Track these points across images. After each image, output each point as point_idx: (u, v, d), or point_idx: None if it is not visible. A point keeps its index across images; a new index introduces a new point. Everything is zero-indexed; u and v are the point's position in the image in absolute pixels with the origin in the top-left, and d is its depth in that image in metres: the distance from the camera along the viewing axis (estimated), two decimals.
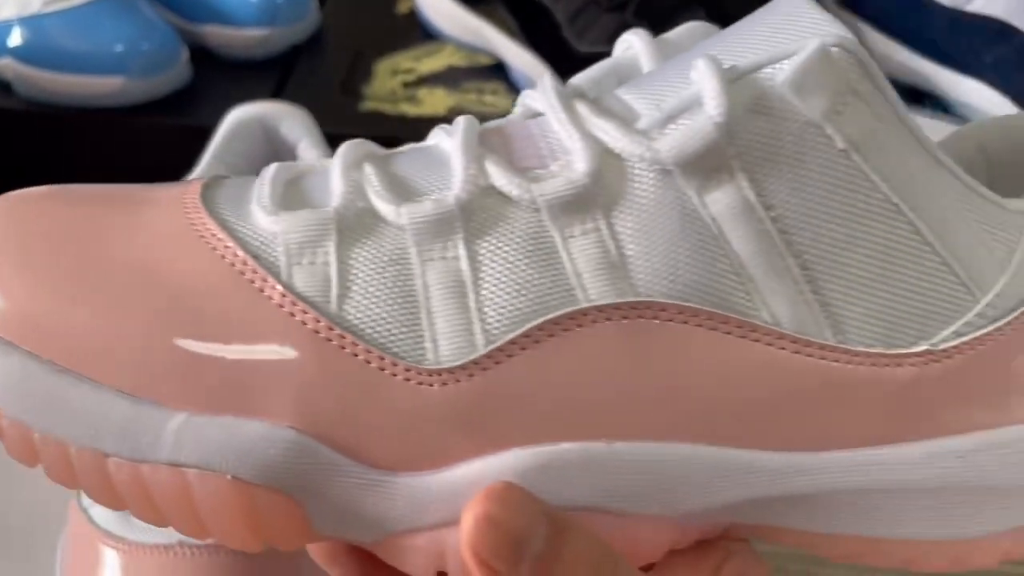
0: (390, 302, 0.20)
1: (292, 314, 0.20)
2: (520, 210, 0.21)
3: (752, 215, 0.20)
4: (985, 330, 0.21)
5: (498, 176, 0.21)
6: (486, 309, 0.20)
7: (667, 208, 0.20)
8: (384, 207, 0.21)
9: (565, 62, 0.58)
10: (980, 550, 0.22)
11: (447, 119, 0.57)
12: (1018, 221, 0.22)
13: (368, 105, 0.58)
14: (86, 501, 0.31)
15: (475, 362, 0.20)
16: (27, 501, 0.37)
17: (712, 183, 0.20)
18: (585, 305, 0.20)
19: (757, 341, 0.20)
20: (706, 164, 0.20)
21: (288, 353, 0.20)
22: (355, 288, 0.20)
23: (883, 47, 0.57)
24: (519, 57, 0.59)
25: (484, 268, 0.20)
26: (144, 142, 0.56)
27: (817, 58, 0.20)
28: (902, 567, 0.23)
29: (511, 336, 0.20)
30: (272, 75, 0.60)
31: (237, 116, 0.41)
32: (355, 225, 0.21)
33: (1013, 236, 0.22)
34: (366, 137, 0.59)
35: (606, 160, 0.20)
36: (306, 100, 0.46)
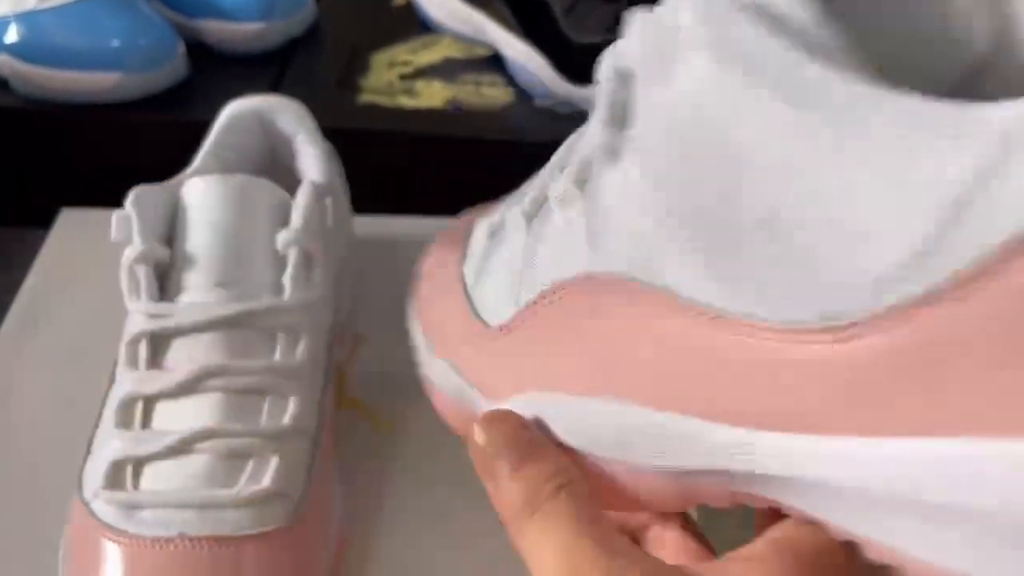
0: (493, 286, 0.28)
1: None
2: (551, 207, 0.25)
3: (645, 194, 0.21)
4: (909, 297, 0.16)
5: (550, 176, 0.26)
6: (520, 289, 0.26)
7: (604, 194, 0.22)
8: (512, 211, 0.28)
9: (562, 53, 0.58)
10: None
11: (444, 111, 0.58)
12: (987, 136, 0.15)
13: (365, 98, 0.58)
14: (88, 495, 0.32)
15: (499, 328, 0.27)
16: (30, 496, 0.37)
17: (610, 168, 0.22)
18: (548, 285, 0.24)
19: (680, 317, 0.20)
20: (606, 152, 0.22)
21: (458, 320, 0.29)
22: (485, 277, 0.28)
23: None
24: (516, 49, 0.59)
25: (528, 260, 0.26)
26: (142, 138, 0.55)
27: (640, 22, 0.20)
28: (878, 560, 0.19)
29: (512, 314, 0.26)
30: (269, 69, 0.60)
31: (233, 110, 0.41)
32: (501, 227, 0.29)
33: (975, 157, 0.15)
34: (363, 130, 0.59)
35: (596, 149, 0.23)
36: (303, 94, 0.46)
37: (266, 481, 0.31)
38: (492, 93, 0.58)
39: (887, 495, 0.18)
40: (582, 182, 0.23)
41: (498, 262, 0.28)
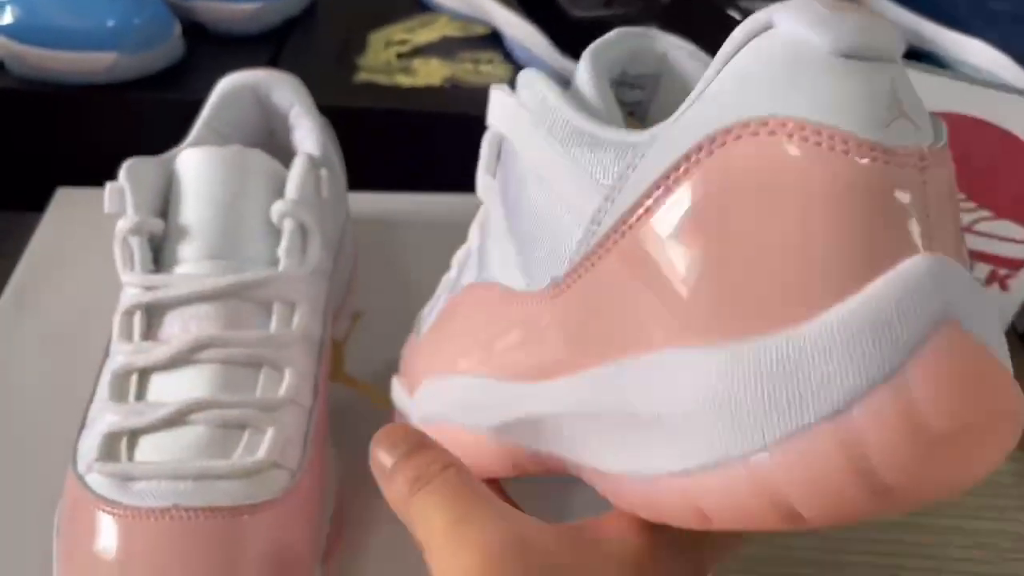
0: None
1: None
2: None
3: (498, 222, 0.28)
4: (584, 254, 0.23)
5: None
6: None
7: (489, 226, 0.30)
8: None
9: (561, 29, 0.58)
10: (660, 491, 0.21)
11: (442, 89, 0.57)
12: (616, 147, 0.23)
13: (363, 77, 0.57)
14: (82, 468, 0.31)
15: (425, 331, 0.35)
16: (24, 469, 0.37)
17: (488, 206, 0.30)
18: (458, 293, 0.32)
19: (498, 300, 0.28)
20: (484, 193, 0.30)
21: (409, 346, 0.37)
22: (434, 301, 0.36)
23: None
24: (514, 25, 0.58)
25: (455, 282, 0.33)
26: (138, 118, 0.55)
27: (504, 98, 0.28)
28: (613, 501, 0.23)
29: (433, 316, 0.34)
30: (266, 49, 0.59)
31: (228, 84, 0.41)
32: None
33: (609, 161, 0.23)
34: (361, 108, 0.59)
35: None
36: (300, 73, 0.46)
37: (262, 452, 0.31)
38: (490, 71, 0.58)
39: (579, 417, 0.24)
40: (481, 222, 0.30)
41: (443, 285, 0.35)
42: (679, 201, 0.20)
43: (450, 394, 0.30)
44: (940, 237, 0.18)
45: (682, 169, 0.20)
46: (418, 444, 0.26)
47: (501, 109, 0.28)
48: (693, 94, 0.21)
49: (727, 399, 0.18)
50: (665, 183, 0.20)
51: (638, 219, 0.21)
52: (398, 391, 0.36)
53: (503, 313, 0.27)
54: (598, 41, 0.28)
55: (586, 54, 0.27)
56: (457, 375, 0.30)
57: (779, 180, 0.18)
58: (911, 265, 0.17)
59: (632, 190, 0.22)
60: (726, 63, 0.20)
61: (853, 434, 0.17)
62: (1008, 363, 0.18)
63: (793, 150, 0.18)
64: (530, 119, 0.26)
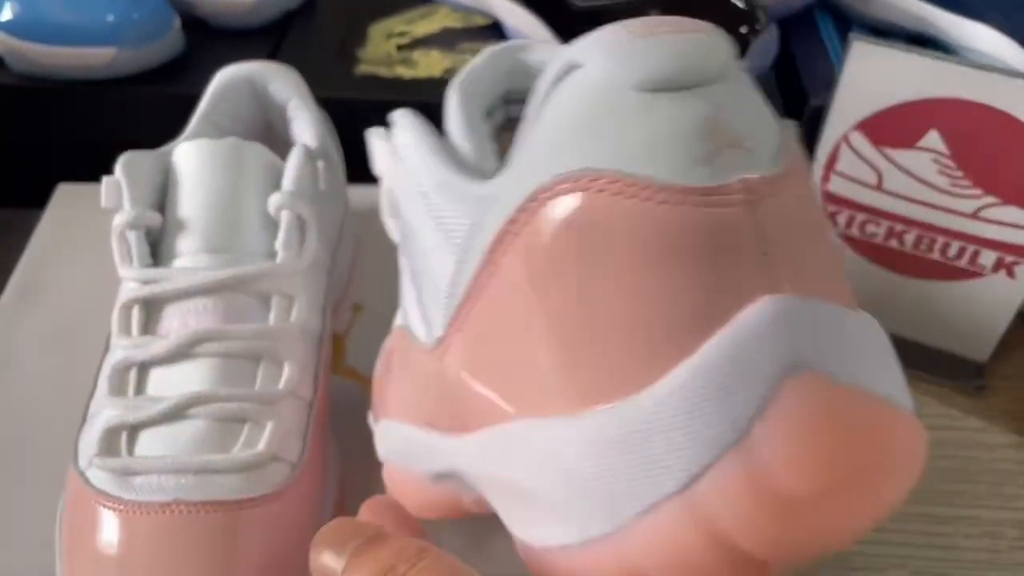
0: None
1: None
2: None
3: (402, 264, 0.28)
4: (450, 319, 0.22)
5: None
6: None
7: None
8: None
9: (562, 19, 0.57)
10: (550, 563, 0.19)
11: (443, 81, 0.57)
12: (469, 202, 0.22)
13: (363, 69, 0.57)
14: (83, 463, 0.31)
15: None
16: (26, 464, 0.37)
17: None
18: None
19: (411, 349, 0.27)
20: (395, 238, 0.29)
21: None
22: None
23: None
24: (515, 16, 0.58)
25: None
26: (139, 113, 0.55)
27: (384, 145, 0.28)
28: (526, 564, 0.22)
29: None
30: (266, 42, 0.59)
31: (225, 77, 0.41)
32: None
33: (461, 218, 0.22)
34: (361, 101, 0.59)
35: None
36: (301, 66, 0.45)
37: (261, 445, 0.31)
38: None
39: (482, 476, 0.22)
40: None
41: None
42: (509, 272, 0.19)
43: (395, 436, 0.30)
44: (787, 274, 0.16)
45: (511, 234, 0.19)
46: (371, 537, 0.22)
47: (380, 157, 0.26)
48: (519, 136, 0.20)
49: (580, 475, 0.17)
50: (500, 248, 0.19)
51: (481, 291, 0.20)
52: (371, 421, 0.34)
53: (414, 364, 0.26)
54: (464, 72, 0.26)
55: (451, 89, 0.25)
56: (395, 420, 0.29)
57: (599, 239, 0.17)
58: (748, 313, 0.15)
59: (476, 258, 0.21)
60: (542, 105, 0.19)
61: (703, 509, 0.15)
62: (902, 398, 0.16)
63: (607, 206, 0.17)
64: (402, 170, 0.25)
